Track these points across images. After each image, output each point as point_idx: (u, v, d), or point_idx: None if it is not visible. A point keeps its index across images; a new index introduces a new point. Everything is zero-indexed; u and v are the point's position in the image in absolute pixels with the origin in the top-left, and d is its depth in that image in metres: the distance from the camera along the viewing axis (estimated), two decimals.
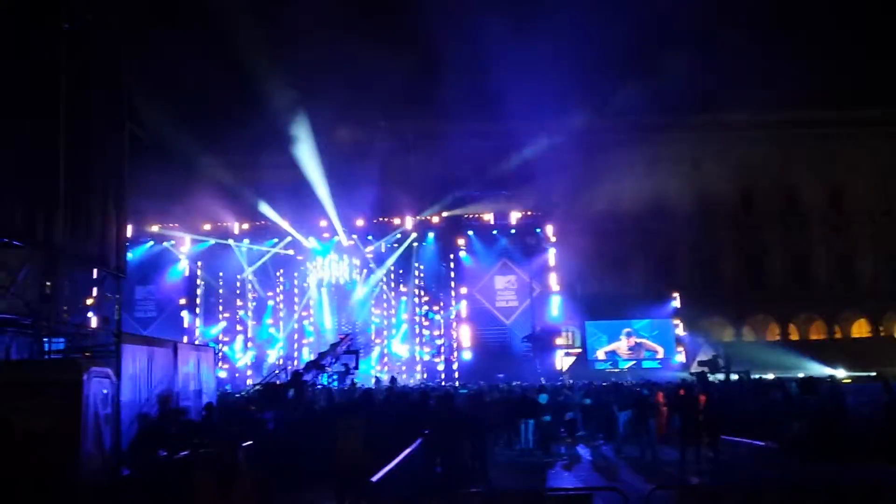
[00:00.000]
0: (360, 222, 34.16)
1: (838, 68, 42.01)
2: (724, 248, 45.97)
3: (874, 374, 27.80)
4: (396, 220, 34.29)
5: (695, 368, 30.23)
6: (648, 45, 46.40)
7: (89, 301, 14.38)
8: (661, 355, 34.72)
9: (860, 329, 45.16)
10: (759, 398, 20.03)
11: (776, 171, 45.68)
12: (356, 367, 26.04)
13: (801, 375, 25.52)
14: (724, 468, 14.34)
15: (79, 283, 13.09)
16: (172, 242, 34.35)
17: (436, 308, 34.62)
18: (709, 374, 26.01)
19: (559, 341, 34.97)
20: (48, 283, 10.97)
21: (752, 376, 25.44)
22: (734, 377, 25.71)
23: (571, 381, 27.33)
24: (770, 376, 27.01)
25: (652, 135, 44.35)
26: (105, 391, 9.79)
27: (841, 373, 27.94)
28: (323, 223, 33.80)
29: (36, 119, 10.47)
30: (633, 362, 34.42)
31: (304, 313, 34.86)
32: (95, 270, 13.27)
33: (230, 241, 34.40)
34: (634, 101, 40.77)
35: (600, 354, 34.95)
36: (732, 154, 44.73)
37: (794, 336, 45.26)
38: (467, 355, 33.07)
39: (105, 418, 9.66)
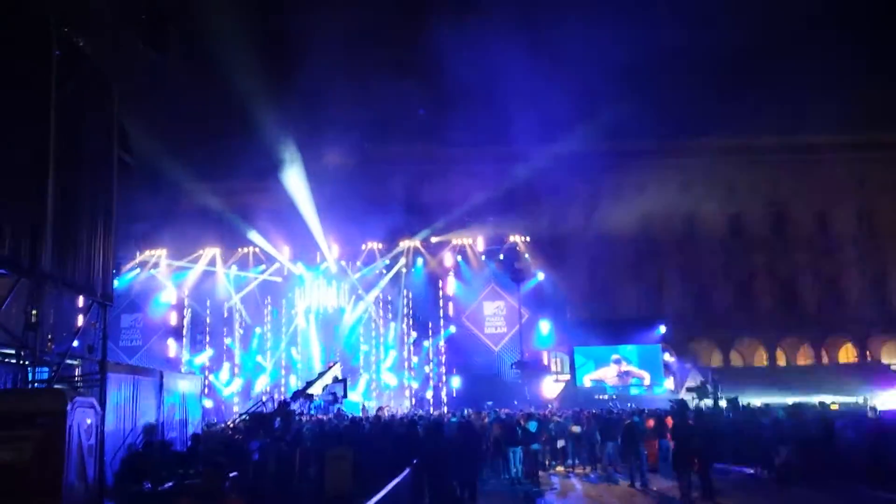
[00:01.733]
0: (348, 248, 34.12)
1: (825, 93, 42.62)
2: (712, 273, 46.15)
3: (860, 399, 27.94)
4: (384, 246, 34.28)
5: (683, 394, 30.20)
6: (640, 70, 46.97)
7: (75, 329, 14.23)
8: (647, 382, 34.67)
9: (847, 354, 45.33)
10: (747, 424, 20.02)
11: (764, 195, 46.11)
12: (344, 396, 25.90)
13: (789, 401, 25.54)
14: (714, 495, 14.27)
15: (64, 311, 12.98)
16: (159, 270, 34.13)
17: (424, 334, 34.50)
18: (698, 400, 26.02)
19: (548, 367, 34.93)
20: (33, 311, 10.84)
21: (741, 402, 25.42)
22: (723, 403, 25.66)
23: (559, 409, 27.19)
24: (758, 402, 27.01)
25: (641, 160, 44.67)
26: (89, 421, 9.65)
27: (828, 399, 27.97)
28: (311, 249, 33.74)
29: (24, 144, 10.43)
30: (620, 388, 34.34)
31: (292, 341, 34.60)
32: (81, 298, 13.15)
33: (217, 268, 34.24)
34: (625, 126, 41.17)
35: (588, 381, 34.86)
36: (721, 179, 45.14)
37: (782, 361, 45.36)
38: (456, 382, 32.91)
39: (89, 449, 9.51)
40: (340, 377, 27.02)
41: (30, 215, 10.36)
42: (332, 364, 28.05)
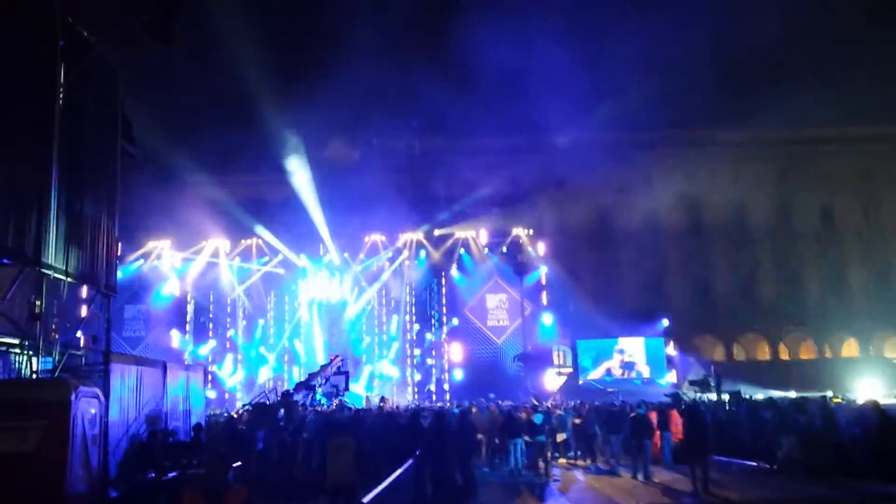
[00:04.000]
0: (351, 240, 34.10)
1: (831, 86, 42.58)
2: (716, 267, 46.09)
3: (861, 394, 27.94)
4: (387, 239, 34.26)
5: (686, 388, 30.23)
6: (646, 62, 46.95)
7: (79, 320, 14.26)
8: (647, 375, 34.65)
9: (850, 349, 45.27)
10: (750, 417, 20.02)
11: (769, 188, 45.99)
12: (346, 389, 25.96)
13: (792, 395, 25.54)
14: (709, 486, 14.32)
15: (68, 301, 12.98)
16: (163, 261, 34.13)
17: (427, 327, 34.52)
18: (700, 394, 26.05)
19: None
20: (37, 302, 10.86)
21: (744, 396, 25.43)
22: (725, 397, 25.67)
23: (560, 401, 27.23)
24: (760, 396, 27.01)
25: (646, 151, 44.64)
26: (93, 411, 9.68)
27: (829, 393, 27.95)
28: (314, 241, 33.74)
29: (29, 134, 10.43)
30: (624, 378, 34.37)
31: (295, 333, 34.62)
32: (85, 288, 13.18)
33: (221, 260, 34.24)
34: (629, 118, 41.11)
35: (594, 374, 34.83)
36: (726, 171, 45.05)
37: (785, 356, 45.32)
38: (458, 375, 32.95)
39: (93, 439, 9.54)
40: (343, 370, 27.05)
41: (34, 206, 10.37)
42: (334, 357, 28.07)
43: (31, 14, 10.66)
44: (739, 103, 43.81)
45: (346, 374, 26.81)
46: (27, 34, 10.51)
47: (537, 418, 18.65)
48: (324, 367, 25.92)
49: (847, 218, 46.58)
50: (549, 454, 19.21)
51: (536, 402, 24.02)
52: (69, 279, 11.34)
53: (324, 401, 23.89)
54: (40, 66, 10.65)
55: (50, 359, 11.78)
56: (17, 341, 10.98)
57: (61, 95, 10.78)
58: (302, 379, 26.06)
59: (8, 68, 10.10)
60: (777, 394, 27.21)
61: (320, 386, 24.12)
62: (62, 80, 10.88)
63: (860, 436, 16.17)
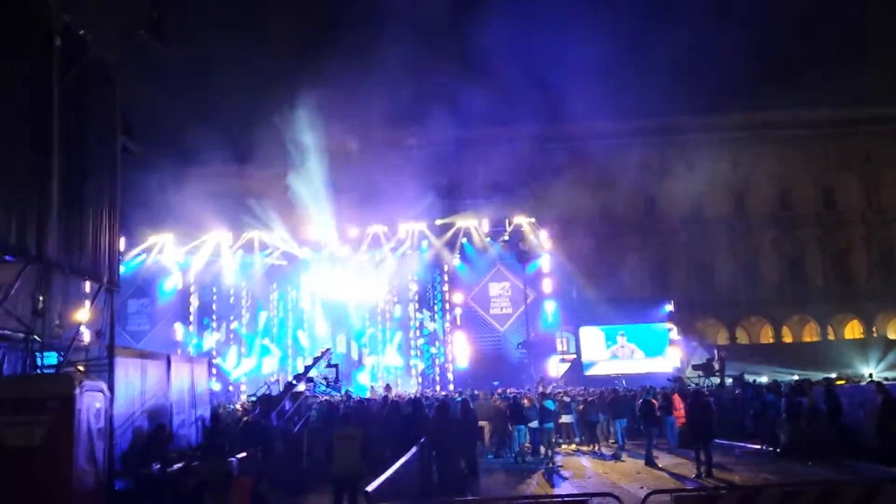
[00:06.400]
0: (353, 231, 34.11)
1: (830, 69, 42.43)
2: (718, 252, 46.09)
3: (866, 375, 27.98)
4: (389, 229, 34.25)
5: (689, 372, 30.33)
6: (644, 48, 46.84)
7: (82, 315, 14.33)
8: (651, 360, 34.67)
9: (853, 331, 45.29)
10: (753, 401, 20.11)
11: (770, 172, 45.93)
12: (336, 381, 26.01)
13: (795, 377, 25.60)
14: (720, 471, 14.41)
15: (71, 296, 13.06)
16: (165, 255, 34.20)
17: (430, 316, 34.57)
18: (704, 378, 26.13)
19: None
20: (41, 298, 10.92)
21: (748, 379, 25.54)
22: (728, 381, 25.78)
23: (563, 388, 27.33)
24: (764, 379, 27.11)
25: (646, 139, 44.57)
26: (98, 405, 9.76)
27: (833, 375, 28.02)
28: (316, 233, 33.76)
29: (28, 134, 10.47)
30: (628, 363, 34.46)
31: (298, 324, 34.71)
32: (88, 284, 13.23)
33: (223, 252, 34.28)
34: (630, 105, 41.01)
35: (599, 358, 34.89)
36: (726, 157, 44.99)
37: (788, 338, 45.37)
38: (462, 363, 33.03)
39: (98, 432, 9.63)
40: (332, 363, 27.04)
41: (35, 203, 10.42)
42: (323, 350, 28.05)
43: (27, 14, 10.67)
44: (739, 90, 43.72)
45: (336, 366, 26.82)
46: (23, 35, 10.52)
47: (549, 404, 18.74)
48: (316, 360, 25.99)
49: (849, 200, 46.52)
50: (553, 440, 19.37)
51: (543, 389, 24.13)
52: (72, 275, 11.39)
53: (335, 393, 24.00)
54: (37, 66, 10.67)
55: (55, 354, 11.86)
56: (21, 336, 11.04)
57: (59, 95, 10.79)
58: (300, 371, 26.15)
59: (4, 68, 10.12)
60: (781, 377, 27.29)
61: (313, 379, 24.24)
62: (60, 80, 10.90)
63: (864, 417, 16.23)
